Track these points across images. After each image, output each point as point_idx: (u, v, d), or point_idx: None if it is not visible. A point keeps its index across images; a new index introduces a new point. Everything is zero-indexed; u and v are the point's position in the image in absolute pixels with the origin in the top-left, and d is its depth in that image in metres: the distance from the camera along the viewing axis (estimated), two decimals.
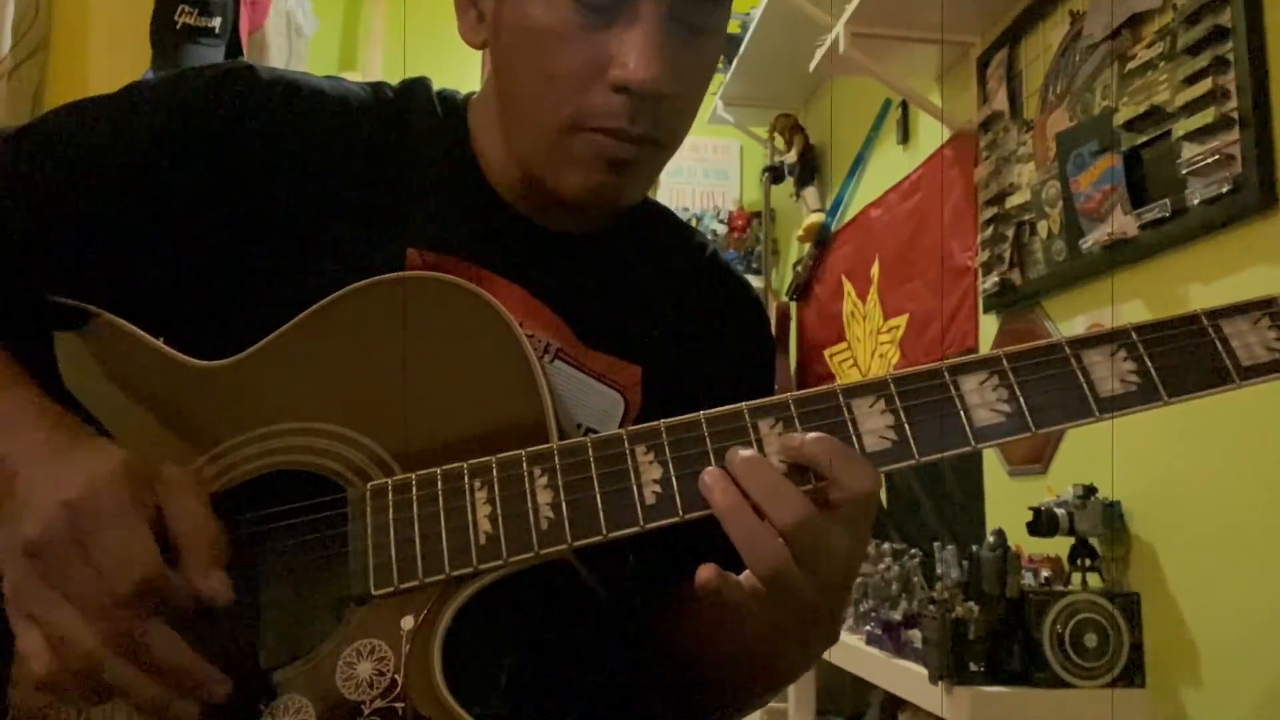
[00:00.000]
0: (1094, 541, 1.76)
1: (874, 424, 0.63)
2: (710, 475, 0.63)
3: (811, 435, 0.63)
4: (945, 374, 0.64)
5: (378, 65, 3.41)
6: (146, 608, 0.61)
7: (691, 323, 0.88)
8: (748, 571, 0.63)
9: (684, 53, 0.74)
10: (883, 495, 2.62)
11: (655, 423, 0.65)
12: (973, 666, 1.68)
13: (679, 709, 0.85)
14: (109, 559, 0.60)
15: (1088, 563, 1.75)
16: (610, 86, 0.72)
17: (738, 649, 0.74)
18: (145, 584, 0.61)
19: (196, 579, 0.63)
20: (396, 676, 0.64)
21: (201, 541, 0.64)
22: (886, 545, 2.14)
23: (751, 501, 0.61)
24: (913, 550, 2.05)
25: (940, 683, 1.68)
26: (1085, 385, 0.62)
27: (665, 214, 0.93)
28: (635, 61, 0.71)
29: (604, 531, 0.64)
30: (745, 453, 0.63)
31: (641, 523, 0.64)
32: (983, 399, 0.63)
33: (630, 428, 0.66)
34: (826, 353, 3.27)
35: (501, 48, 0.77)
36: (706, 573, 0.63)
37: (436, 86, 0.87)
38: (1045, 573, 1.80)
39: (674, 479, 0.64)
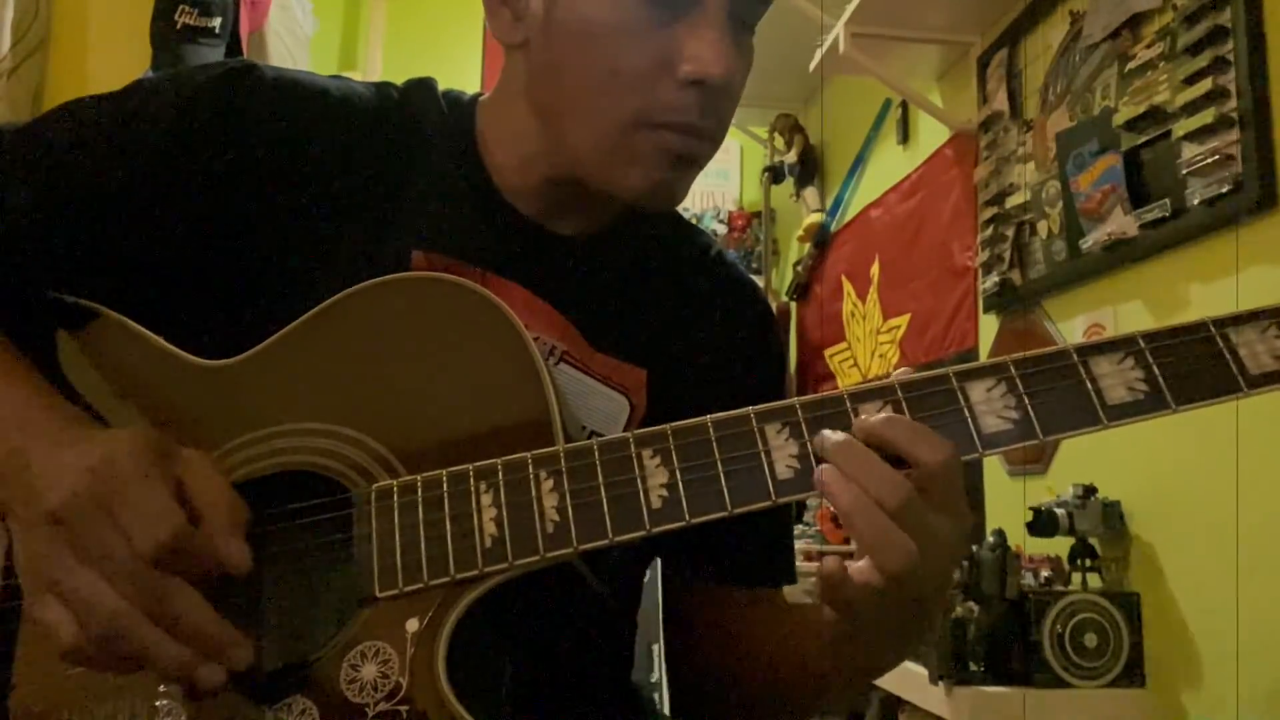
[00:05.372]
0: (1094, 541, 1.76)
1: None
2: (828, 474, 0.61)
3: (880, 416, 0.61)
4: (953, 380, 0.63)
5: (378, 65, 3.40)
6: (171, 569, 0.60)
7: (698, 325, 0.88)
8: (855, 568, 0.61)
9: (739, 48, 0.74)
10: None
11: (662, 426, 0.65)
12: (973, 666, 1.68)
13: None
14: (134, 518, 0.60)
15: (1088, 563, 1.75)
16: (683, 81, 0.72)
17: (832, 652, 0.71)
18: (170, 542, 0.60)
19: (219, 543, 0.62)
20: (401, 679, 0.64)
21: (224, 507, 0.63)
22: None
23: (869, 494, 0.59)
24: None
25: (940, 683, 1.68)
26: (1093, 393, 0.62)
27: (671, 214, 0.92)
28: (709, 55, 0.71)
29: (610, 535, 0.63)
30: (837, 437, 0.61)
31: (648, 527, 0.63)
32: (990, 406, 0.63)
33: (636, 431, 0.65)
34: (826, 353, 3.27)
35: (552, 46, 0.76)
36: (831, 567, 0.61)
37: (442, 87, 0.86)
38: (1045, 573, 1.80)
39: (680, 484, 0.63)
